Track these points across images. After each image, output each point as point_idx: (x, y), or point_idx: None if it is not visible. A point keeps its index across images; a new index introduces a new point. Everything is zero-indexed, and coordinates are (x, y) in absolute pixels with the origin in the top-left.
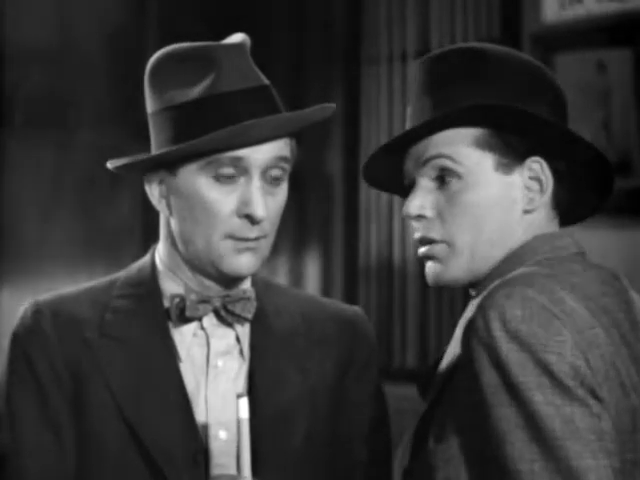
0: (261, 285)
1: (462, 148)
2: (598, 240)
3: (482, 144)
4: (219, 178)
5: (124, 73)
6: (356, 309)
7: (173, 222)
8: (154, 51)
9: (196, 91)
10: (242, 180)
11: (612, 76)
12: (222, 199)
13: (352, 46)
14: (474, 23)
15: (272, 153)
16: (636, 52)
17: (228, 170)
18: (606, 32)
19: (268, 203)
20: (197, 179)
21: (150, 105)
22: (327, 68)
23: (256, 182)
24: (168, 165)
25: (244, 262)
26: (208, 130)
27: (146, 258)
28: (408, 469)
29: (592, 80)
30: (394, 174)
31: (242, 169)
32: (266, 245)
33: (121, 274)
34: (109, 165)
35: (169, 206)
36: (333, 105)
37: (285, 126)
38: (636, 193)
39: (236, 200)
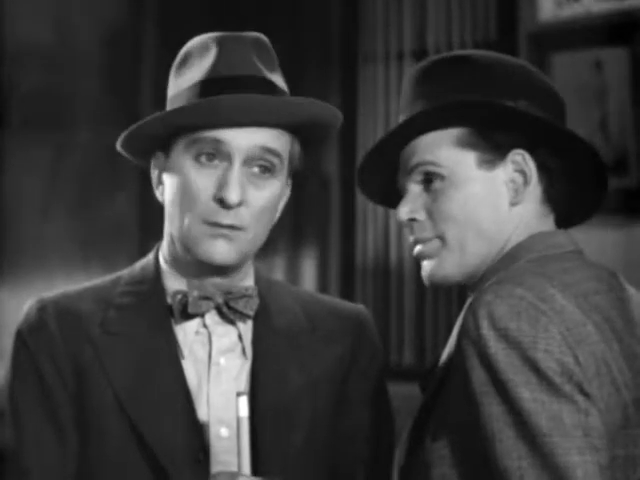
0: (264, 283)
1: (443, 150)
2: (594, 239)
3: (462, 143)
4: (200, 159)
5: (122, 73)
6: (360, 307)
7: (165, 209)
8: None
9: (196, 77)
10: (223, 165)
11: (609, 75)
12: (201, 181)
13: (349, 45)
14: (471, 22)
15: (255, 141)
16: (633, 51)
17: (209, 151)
18: (603, 31)
19: (250, 193)
20: (183, 160)
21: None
22: (324, 67)
23: (236, 168)
24: (162, 146)
25: (217, 249)
26: None
27: (150, 256)
28: (405, 466)
29: (589, 79)
30: (392, 189)
31: (224, 153)
32: (245, 238)
33: (125, 272)
34: (118, 146)
35: (163, 193)
36: (325, 104)
37: (262, 109)
38: (632, 193)
39: (214, 184)
